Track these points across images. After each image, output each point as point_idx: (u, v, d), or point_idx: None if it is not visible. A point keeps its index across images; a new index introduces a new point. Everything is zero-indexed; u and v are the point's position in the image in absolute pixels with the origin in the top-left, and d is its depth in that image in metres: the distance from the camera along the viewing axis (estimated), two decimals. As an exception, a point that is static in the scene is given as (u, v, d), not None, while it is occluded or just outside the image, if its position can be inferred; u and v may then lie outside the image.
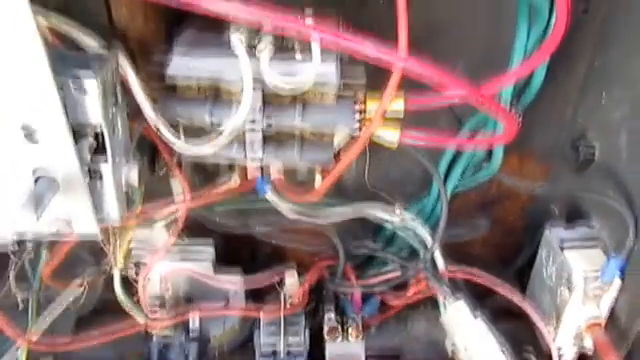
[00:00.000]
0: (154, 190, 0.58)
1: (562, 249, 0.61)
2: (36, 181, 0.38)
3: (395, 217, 0.67)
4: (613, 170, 0.58)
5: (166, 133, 0.44)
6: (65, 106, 0.36)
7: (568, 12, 0.41)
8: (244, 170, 0.61)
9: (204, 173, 0.63)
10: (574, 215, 0.67)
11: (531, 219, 0.76)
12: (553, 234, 0.63)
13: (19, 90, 0.35)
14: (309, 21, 0.41)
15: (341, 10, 0.46)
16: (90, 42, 0.48)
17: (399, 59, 0.34)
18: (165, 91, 0.50)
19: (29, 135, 0.36)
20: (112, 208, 0.42)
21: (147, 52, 0.58)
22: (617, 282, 0.56)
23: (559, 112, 0.66)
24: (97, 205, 0.41)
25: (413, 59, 0.32)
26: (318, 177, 0.61)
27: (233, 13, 0.31)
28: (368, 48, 0.30)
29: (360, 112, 0.52)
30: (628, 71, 0.55)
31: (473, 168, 0.68)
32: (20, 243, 0.55)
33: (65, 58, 0.39)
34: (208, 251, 0.66)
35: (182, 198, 0.53)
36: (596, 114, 0.61)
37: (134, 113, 0.48)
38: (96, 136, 0.40)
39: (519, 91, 0.58)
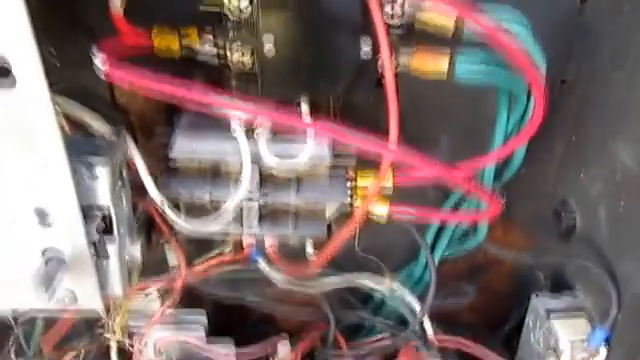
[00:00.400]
0: (147, 257, 0.60)
1: (548, 316, 0.64)
2: (47, 262, 0.40)
3: (384, 285, 0.69)
4: (594, 242, 0.61)
5: (170, 213, 0.47)
6: (77, 190, 0.39)
7: (544, 104, 0.45)
8: (237, 239, 0.64)
9: (197, 242, 0.66)
10: (559, 282, 0.70)
11: (518, 285, 0.79)
12: (539, 302, 0.66)
13: (36, 176, 0.38)
14: (305, 110, 0.46)
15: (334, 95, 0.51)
16: (97, 125, 0.52)
17: (390, 152, 0.38)
18: (166, 168, 0.53)
19: (42, 217, 0.39)
20: (116, 283, 0.45)
21: (147, 127, 0.62)
22: (603, 351, 0.59)
23: (540, 183, 0.70)
24: (102, 281, 0.44)
25: (403, 151, 0.36)
26: (310, 245, 0.65)
27: (235, 111, 0.35)
28: (362, 141, 0.34)
29: (351, 181, 0.56)
30: (603, 150, 0.59)
31: (459, 237, 0.72)
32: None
33: (76, 144, 0.42)
34: (201, 320, 0.68)
35: (179, 270, 0.56)
36: (576, 187, 0.65)
37: (136, 190, 0.51)
38: (103, 214, 0.44)
39: (501, 166, 0.62)
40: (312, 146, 0.47)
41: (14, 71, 0.34)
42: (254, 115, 0.34)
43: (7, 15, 0.32)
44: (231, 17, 0.46)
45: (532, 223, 0.73)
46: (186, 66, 0.51)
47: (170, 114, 0.58)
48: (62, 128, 0.39)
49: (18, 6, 0.32)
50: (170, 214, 0.48)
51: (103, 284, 0.44)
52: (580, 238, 0.65)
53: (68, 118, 0.54)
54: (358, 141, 0.33)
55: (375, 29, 0.41)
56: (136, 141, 0.54)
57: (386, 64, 0.39)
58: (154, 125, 0.61)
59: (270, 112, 0.33)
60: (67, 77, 0.55)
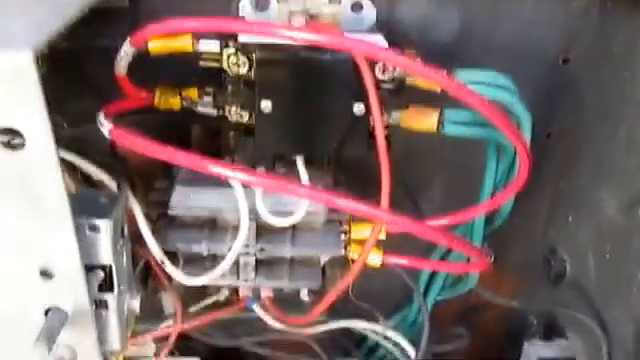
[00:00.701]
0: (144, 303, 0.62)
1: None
2: (48, 319, 0.42)
3: (378, 330, 0.71)
4: (584, 288, 0.64)
5: (170, 268, 0.49)
6: (80, 249, 0.41)
7: (529, 164, 0.48)
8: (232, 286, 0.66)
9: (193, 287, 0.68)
10: (551, 326, 0.72)
11: (510, 329, 0.81)
12: (532, 349, 0.67)
13: (41, 236, 0.40)
14: (302, 173, 0.48)
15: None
16: (98, 175, 0.54)
17: (381, 217, 0.40)
18: (164, 219, 0.56)
19: (45, 276, 0.41)
20: (115, 338, 0.46)
21: (146, 175, 0.64)
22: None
23: (530, 229, 0.73)
24: (101, 336, 0.45)
25: (394, 216, 0.38)
26: (304, 294, 0.66)
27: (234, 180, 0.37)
28: (354, 206, 0.37)
29: (345, 233, 0.58)
30: (590, 198, 0.62)
31: (452, 280, 0.74)
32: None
33: (78, 200, 0.44)
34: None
35: (175, 319, 0.57)
36: (565, 233, 0.68)
37: (134, 239, 0.53)
38: (104, 271, 0.45)
39: (491, 214, 0.65)
40: (307, 205, 0.50)
41: (25, 136, 0.36)
42: (252, 183, 0.37)
43: (21, 85, 0.35)
44: (230, 77, 0.49)
45: (523, 268, 0.76)
46: (185, 114, 0.54)
47: (169, 164, 0.60)
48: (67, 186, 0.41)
49: (32, 75, 0.34)
50: (169, 269, 0.50)
51: (102, 339, 0.45)
52: (570, 284, 0.67)
53: (70, 168, 0.57)
54: (351, 208, 0.36)
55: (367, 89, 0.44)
56: (134, 188, 0.57)
57: (379, 133, 0.41)
58: (153, 174, 0.63)
59: (268, 181, 0.35)
60: (70, 128, 0.58)
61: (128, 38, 0.43)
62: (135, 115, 0.55)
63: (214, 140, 0.65)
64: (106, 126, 0.41)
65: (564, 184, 0.68)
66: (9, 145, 0.37)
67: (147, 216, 0.54)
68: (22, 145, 0.36)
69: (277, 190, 0.35)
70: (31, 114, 0.35)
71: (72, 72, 0.58)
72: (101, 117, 0.43)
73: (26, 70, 0.33)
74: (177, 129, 0.65)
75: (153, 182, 0.62)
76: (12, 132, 0.36)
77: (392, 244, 0.58)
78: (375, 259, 0.58)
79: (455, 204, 0.67)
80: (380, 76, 0.48)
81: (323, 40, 0.31)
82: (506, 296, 0.75)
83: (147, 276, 0.62)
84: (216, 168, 0.37)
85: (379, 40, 0.51)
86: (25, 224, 0.39)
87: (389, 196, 0.43)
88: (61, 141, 0.38)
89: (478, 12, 0.60)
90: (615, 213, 0.57)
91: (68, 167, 0.58)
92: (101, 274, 0.45)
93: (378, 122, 0.43)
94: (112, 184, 0.55)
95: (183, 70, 0.51)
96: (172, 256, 0.54)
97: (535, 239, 0.73)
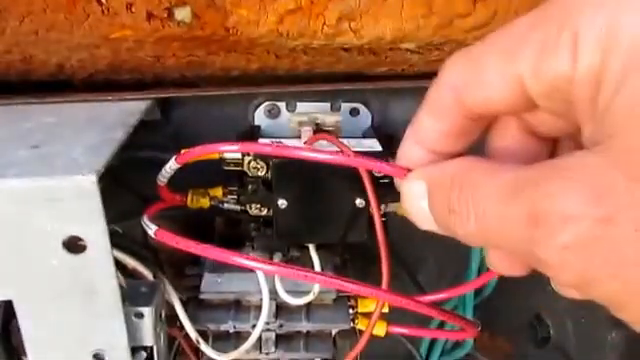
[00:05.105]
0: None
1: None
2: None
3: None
4: (566, 350, 0.66)
5: (204, 346, 0.53)
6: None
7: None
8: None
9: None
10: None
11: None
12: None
13: (95, 324, 0.44)
14: (315, 260, 0.53)
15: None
16: (138, 267, 0.58)
17: (383, 297, 0.44)
18: (194, 301, 0.59)
19: (97, 358, 0.45)
20: (156, 408, 0.49)
21: (175, 263, 0.68)
22: None
23: (517, 298, 0.76)
24: (143, 407, 0.48)
25: (393, 296, 0.42)
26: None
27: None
28: (360, 290, 0.40)
29: (352, 307, 0.62)
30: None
31: (451, 345, 0.77)
32: None
33: (123, 290, 0.48)
34: None
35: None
36: (546, 301, 0.71)
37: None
38: (145, 349, 0.49)
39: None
40: (320, 285, 0.54)
41: (86, 241, 0.41)
42: (274, 272, 0.41)
43: (86, 201, 0.39)
44: (250, 177, 0.54)
45: (513, 333, 0.78)
46: (210, 209, 0.59)
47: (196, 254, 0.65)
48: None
49: (95, 194, 0.39)
50: (204, 348, 0.53)
51: (145, 412, 0.49)
52: (554, 347, 0.70)
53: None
54: (358, 290, 0.40)
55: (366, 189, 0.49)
56: (164, 274, 0.61)
57: (378, 225, 0.46)
58: (181, 262, 0.67)
59: (285, 271, 0.39)
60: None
61: (174, 157, 0.48)
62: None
63: (234, 229, 0.70)
64: (152, 228, 0.45)
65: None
66: (71, 249, 0.41)
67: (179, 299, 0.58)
68: (84, 249, 0.41)
69: (295, 278, 0.39)
70: (93, 223, 0.40)
71: (109, 178, 0.63)
72: (145, 220, 0.47)
73: (91, 190, 0.39)
74: (202, 220, 0.70)
75: (180, 269, 0.66)
76: (75, 238, 0.41)
77: (396, 313, 0.62)
78: (380, 330, 0.61)
79: (450, 275, 0.72)
80: (377, 174, 0.53)
81: (337, 160, 0.36)
82: (500, 357, 0.77)
83: (176, 355, 0.65)
84: (245, 261, 0.41)
85: (374, 144, 0.56)
86: (81, 315, 0.43)
87: (389, 276, 0.47)
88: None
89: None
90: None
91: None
92: (144, 354, 0.48)
93: (376, 216, 0.47)
94: (147, 273, 0.59)
95: (209, 171, 0.56)
96: (201, 334, 0.58)
97: (521, 306, 0.76)
